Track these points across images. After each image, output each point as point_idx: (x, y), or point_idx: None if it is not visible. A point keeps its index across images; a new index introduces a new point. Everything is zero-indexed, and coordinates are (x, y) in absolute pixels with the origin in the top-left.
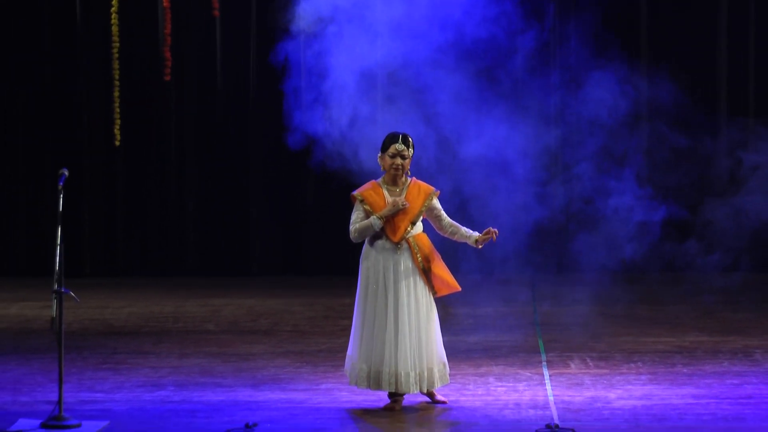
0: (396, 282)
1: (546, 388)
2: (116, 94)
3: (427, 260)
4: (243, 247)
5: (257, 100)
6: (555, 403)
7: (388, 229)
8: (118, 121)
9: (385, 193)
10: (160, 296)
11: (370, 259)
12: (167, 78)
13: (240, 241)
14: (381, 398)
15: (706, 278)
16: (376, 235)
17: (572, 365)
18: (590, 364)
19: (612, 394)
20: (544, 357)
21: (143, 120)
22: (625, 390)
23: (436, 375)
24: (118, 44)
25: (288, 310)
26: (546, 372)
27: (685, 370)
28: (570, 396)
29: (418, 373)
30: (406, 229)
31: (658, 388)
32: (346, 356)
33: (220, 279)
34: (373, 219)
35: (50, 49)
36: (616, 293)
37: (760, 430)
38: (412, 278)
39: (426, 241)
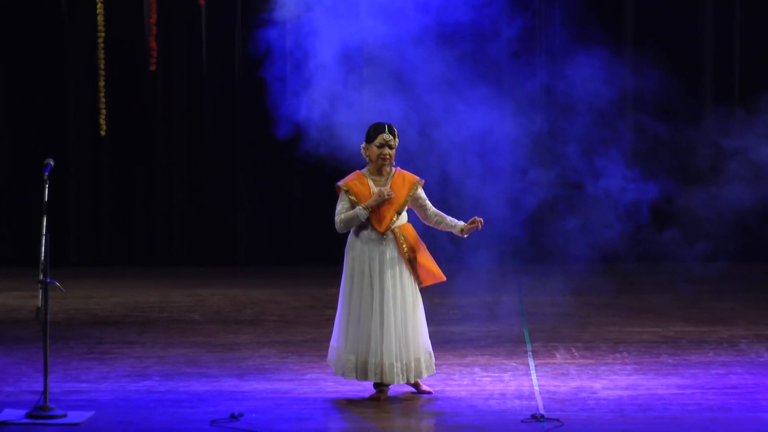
0: (381, 272)
1: (531, 378)
2: (102, 84)
3: (412, 250)
4: (229, 237)
5: (244, 89)
6: (540, 393)
7: (373, 219)
8: (104, 111)
9: (370, 183)
10: (146, 286)
11: (356, 250)
12: (153, 68)
13: (226, 231)
14: (366, 388)
15: (689, 268)
16: (362, 226)
17: (558, 355)
18: (576, 354)
19: (597, 384)
20: (529, 347)
21: (129, 110)
22: (611, 380)
23: (423, 365)
24: (103, 34)
25: (273, 300)
26: (531, 362)
27: (670, 360)
28: (555, 386)
29: (404, 363)
30: (391, 219)
31: (643, 378)
32: (330, 347)
33: (206, 269)
34: (358, 209)
35: (36, 40)
36: (601, 283)
37: (745, 420)
38: (397, 268)
39: (411, 231)
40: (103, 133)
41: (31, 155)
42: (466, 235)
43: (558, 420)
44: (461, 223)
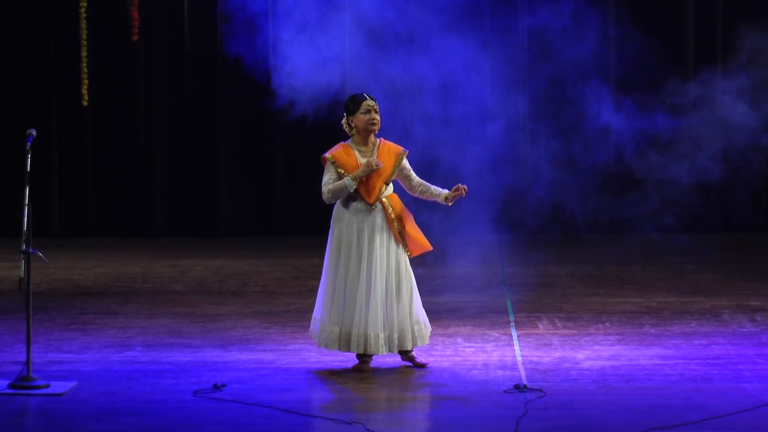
0: (370, 243)
1: (514, 349)
2: (84, 54)
3: (400, 220)
4: (212, 208)
5: (226, 59)
6: (523, 363)
7: (362, 190)
8: (86, 82)
9: (356, 154)
10: (129, 256)
11: (344, 221)
12: (135, 38)
13: (209, 202)
14: (349, 359)
15: (672, 238)
16: (351, 197)
17: (540, 326)
18: (558, 324)
19: (580, 355)
20: (512, 317)
21: (111, 80)
22: (593, 350)
23: (409, 336)
24: (85, 4)
25: (256, 270)
26: (514, 332)
27: (653, 331)
28: (538, 356)
29: (387, 334)
30: (380, 190)
31: (625, 348)
32: (312, 318)
33: (189, 239)
34: (347, 180)
35: (17, 11)
36: (583, 253)
37: (727, 390)
38: (386, 239)
39: (398, 202)
40: (85, 103)
41: (13, 125)
42: (450, 203)
43: (541, 390)
44: (445, 191)
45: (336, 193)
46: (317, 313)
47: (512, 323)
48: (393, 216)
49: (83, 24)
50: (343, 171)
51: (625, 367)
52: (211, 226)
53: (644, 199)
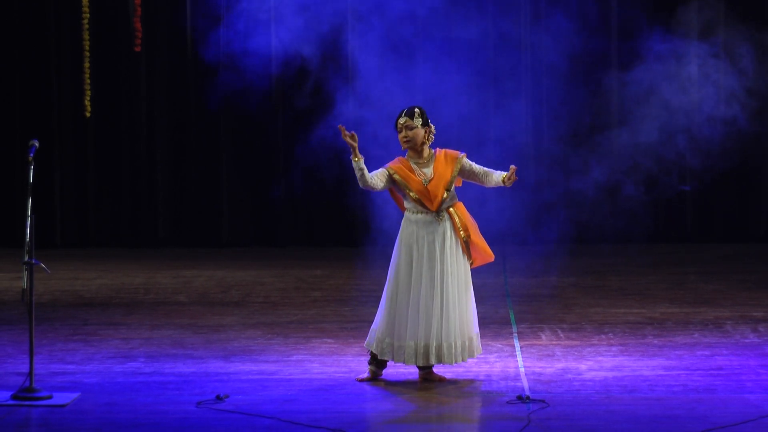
0: (441, 253)
1: (517, 360)
2: (86, 65)
3: (466, 230)
4: (214, 218)
5: (227, 70)
6: (526, 374)
7: (425, 199)
8: (89, 93)
9: (414, 166)
10: (131, 267)
11: (413, 233)
12: (137, 49)
13: (211, 212)
14: (352, 370)
15: (673, 247)
16: (416, 209)
17: (543, 336)
18: (561, 335)
19: (583, 366)
20: (515, 328)
21: (114, 91)
22: (596, 361)
23: (475, 344)
24: (88, 15)
25: (259, 281)
26: (517, 343)
27: (655, 342)
28: (541, 367)
29: (461, 342)
30: (442, 197)
31: (628, 359)
32: (377, 335)
33: (191, 250)
34: (354, 162)
35: (20, 21)
36: (585, 264)
37: (730, 401)
38: (454, 249)
39: (465, 211)
40: (88, 114)
41: (16, 136)
42: (509, 185)
43: (543, 401)
44: (502, 175)
45: (358, 178)
46: (389, 332)
47: (515, 334)
48: (459, 225)
49: (86, 35)
50: (402, 181)
51: (627, 378)
52: (213, 237)
53: (645, 208)
